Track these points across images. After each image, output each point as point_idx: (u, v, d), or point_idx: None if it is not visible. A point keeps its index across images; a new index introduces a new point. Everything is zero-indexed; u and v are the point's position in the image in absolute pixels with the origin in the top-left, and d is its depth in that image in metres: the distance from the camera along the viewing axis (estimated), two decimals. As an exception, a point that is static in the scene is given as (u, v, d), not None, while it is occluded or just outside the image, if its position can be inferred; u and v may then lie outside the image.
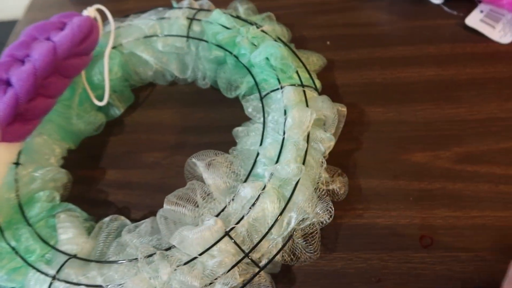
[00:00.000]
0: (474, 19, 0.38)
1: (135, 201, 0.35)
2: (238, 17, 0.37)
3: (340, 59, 0.39)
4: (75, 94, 0.36)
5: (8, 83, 0.32)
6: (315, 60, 0.36)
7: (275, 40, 0.34)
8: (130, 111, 0.40)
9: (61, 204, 0.32)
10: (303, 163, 0.28)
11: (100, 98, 0.37)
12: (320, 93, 0.33)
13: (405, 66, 0.37)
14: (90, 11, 0.36)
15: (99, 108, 0.38)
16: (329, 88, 0.36)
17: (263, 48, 0.32)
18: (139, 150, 0.37)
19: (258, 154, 0.29)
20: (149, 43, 0.37)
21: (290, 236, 0.27)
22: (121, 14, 0.41)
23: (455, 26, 0.39)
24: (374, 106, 0.35)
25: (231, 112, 0.37)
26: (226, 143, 0.35)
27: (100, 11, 0.37)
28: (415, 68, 0.37)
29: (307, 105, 0.30)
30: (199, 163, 0.29)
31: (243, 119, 0.35)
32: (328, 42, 0.40)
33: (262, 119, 0.31)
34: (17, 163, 0.33)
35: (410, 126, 0.34)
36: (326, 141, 0.29)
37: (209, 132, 0.37)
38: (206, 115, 0.38)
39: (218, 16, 0.36)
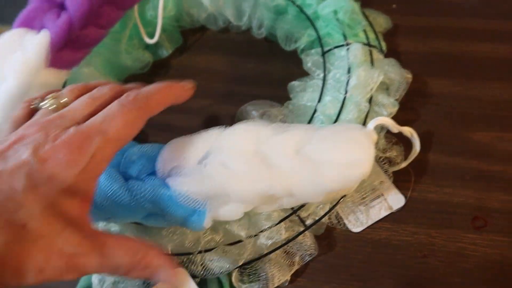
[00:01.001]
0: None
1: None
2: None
3: (406, 24, 0.36)
4: (126, 28, 0.35)
5: (62, 7, 0.30)
6: (381, 22, 0.34)
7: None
8: (178, 54, 0.38)
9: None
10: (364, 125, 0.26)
11: (150, 35, 0.35)
12: (386, 53, 0.31)
13: (477, 40, 0.34)
14: None
15: (147, 46, 0.36)
16: (392, 53, 0.34)
17: (332, 1, 0.30)
18: (184, 95, 0.36)
19: (315, 110, 0.28)
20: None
21: (338, 201, 0.26)
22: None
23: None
24: (439, 77, 0.33)
25: (285, 66, 0.35)
26: (277, 97, 0.33)
27: None
28: (487, 44, 0.34)
29: (372, 64, 0.28)
30: (254, 112, 0.27)
31: (297, 75, 0.33)
32: (394, 5, 0.37)
33: (322, 75, 0.29)
34: (62, 91, 0.32)
35: (476, 103, 0.32)
36: (389, 107, 0.27)
37: (260, 85, 0.35)
38: (257, 67, 0.36)
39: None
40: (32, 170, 0.17)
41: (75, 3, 0.30)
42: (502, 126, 0.31)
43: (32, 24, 0.30)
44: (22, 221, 0.16)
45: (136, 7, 0.35)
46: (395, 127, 0.25)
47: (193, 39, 0.39)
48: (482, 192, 0.28)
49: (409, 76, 0.30)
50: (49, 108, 0.21)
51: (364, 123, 0.26)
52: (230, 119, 0.34)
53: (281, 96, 0.33)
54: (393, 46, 0.35)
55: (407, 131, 0.27)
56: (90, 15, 0.30)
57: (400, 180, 0.29)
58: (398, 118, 0.30)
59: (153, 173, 0.23)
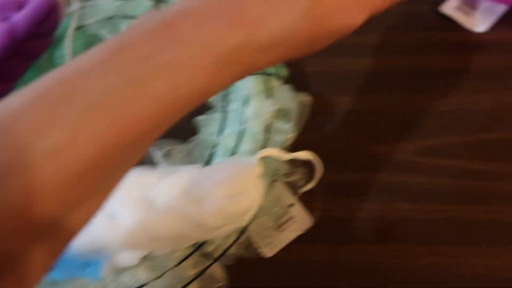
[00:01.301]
0: (450, 6, 0.37)
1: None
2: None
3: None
4: (35, 76, 0.35)
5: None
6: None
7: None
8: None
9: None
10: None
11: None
12: (289, 81, 0.32)
13: (376, 54, 0.36)
14: (53, -11, 0.35)
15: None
16: (299, 75, 0.35)
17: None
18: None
19: (216, 144, 0.29)
20: (114, 25, 0.36)
21: (243, 230, 0.27)
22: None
23: (430, 13, 0.37)
24: (342, 95, 0.35)
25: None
26: (190, 130, 0.34)
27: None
28: (386, 57, 0.36)
29: (270, 95, 0.30)
30: (157, 152, 0.28)
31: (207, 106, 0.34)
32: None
33: (224, 107, 0.30)
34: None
35: (377, 116, 0.33)
36: (286, 133, 0.29)
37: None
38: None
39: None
40: None
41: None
42: (401, 136, 0.32)
43: None
44: None
45: (46, 55, 0.35)
46: (284, 156, 0.26)
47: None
48: (385, 204, 0.30)
49: (307, 99, 0.31)
50: None
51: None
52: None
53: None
54: (301, 67, 0.36)
55: (304, 155, 0.28)
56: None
57: (309, 201, 0.30)
58: (305, 139, 0.32)
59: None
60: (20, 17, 0.32)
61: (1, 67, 0.32)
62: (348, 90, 0.35)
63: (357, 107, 0.34)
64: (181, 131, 0.33)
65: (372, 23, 0.37)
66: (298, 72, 0.36)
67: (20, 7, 0.33)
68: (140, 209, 0.22)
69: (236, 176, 0.23)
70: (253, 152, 0.27)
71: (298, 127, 0.30)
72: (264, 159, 0.28)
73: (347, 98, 0.34)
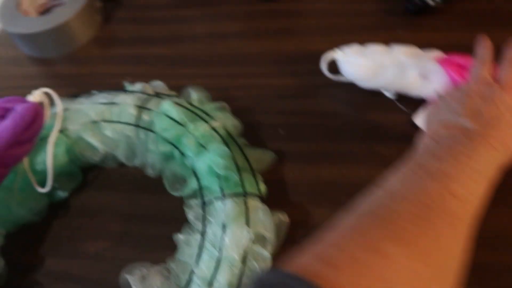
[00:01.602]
0: (421, 117, 0.39)
1: (73, 296, 0.34)
2: (191, 105, 0.37)
3: (291, 151, 0.39)
4: (16, 180, 0.35)
5: None
6: (264, 157, 0.36)
7: (224, 139, 0.34)
8: (77, 192, 0.39)
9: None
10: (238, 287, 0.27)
11: (45, 181, 0.36)
12: (266, 194, 0.33)
13: (354, 164, 0.37)
14: (36, 96, 0.35)
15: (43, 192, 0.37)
16: (277, 184, 0.36)
17: (208, 155, 0.32)
18: (82, 237, 0.36)
19: (192, 272, 0.29)
20: (97, 128, 0.37)
21: None
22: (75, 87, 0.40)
23: (405, 123, 0.39)
24: (320, 207, 0.35)
25: (181, 202, 0.36)
26: (172, 237, 0.34)
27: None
28: (363, 168, 0.37)
29: (247, 218, 0.30)
30: (131, 278, 0.28)
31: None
32: (281, 131, 0.40)
33: (203, 229, 0.30)
34: None
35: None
36: (264, 261, 0.29)
37: (156, 223, 0.36)
38: (154, 204, 0.37)
39: (169, 108, 0.35)
40: None
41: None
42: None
43: None
44: None
45: (26, 159, 0.36)
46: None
47: (93, 176, 0.40)
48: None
49: (285, 219, 0.32)
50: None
51: (239, 285, 0.27)
52: (126, 264, 0.34)
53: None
54: (279, 176, 0.37)
55: None
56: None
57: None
58: (282, 254, 0.32)
59: None
60: (2, 129, 0.32)
61: (-20, 177, 0.32)
62: (325, 202, 0.35)
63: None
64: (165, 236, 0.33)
65: (351, 131, 0.39)
66: (277, 180, 0.37)
67: (2, 116, 0.34)
68: None
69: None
70: (230, 284, 0.27)
71: (276, 248, 0.31)
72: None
73: (324, 210, 0.35)
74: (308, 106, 0.42)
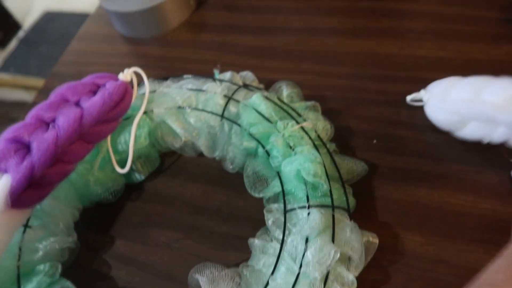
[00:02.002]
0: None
1: (136, 283, 0.33)
2: (281, 101, 0.35)
3: (384, 164, 0.35)
4: (97, 157, 0.35)
5: (28, 148, 0.30)
6: (355, 168, 0.32)
7: (314, 143, 0.31)
8: (153, 177, 0.38)
9: (59, 280, 0.31)
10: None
11: (124, 162, 0.35)
12: (354, 208, 0.30)
13: (458, 190, 0.32)
14: (127, 75, 0.34)
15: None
16: (366, 198, 0.32)
17: (297, 158, 0.29)
18: (152, 224, 0.35)
19: (267, 283, 0.26)
20: (182, 114, 0.35)
21: None
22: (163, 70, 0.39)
23: None
24: (413, 232, 0.31)
25: (258, 202, 0.34)
26: (244, 238, 0.32)
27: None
28: (469, 196, 0.32)
29: (333, 233, 0.27)
30: (201, 278, 0.26)
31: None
32: (374, 141, 0.36)
33: (281, 236, 0.28)
34: (26, 226, 0.32)
35: (450, 269, 0.29)
36: (348, 285, 0.26)
37: (229, 220, 0.34)
38: (229, 200, 0.35)
39: (258, 101, 0.33)
40: None
41: (40, 148, 0.30)
42: None
43: (-3, 166, 0.30)
44: None
45: (109, 138, 0.35)
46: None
47: (170, 162, 0.39)
48: None
49: (374, 240, 0.28)
50: None
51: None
52: (192, 259, 0.33)
53: (248, 237, 0.32)
54: (369, 190, 0.34)
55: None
56: (56, 156, 0.31)
57: None
58: (365, 277, 0.29)
59: None
60: (91, 105, 0.32)
61: (67, 150, 0.31)
62: (419, 228, 0.31)
63: (427, 251, 0.30)
64: (237, 236, 0.31)
65: (458, 151, 0.34)
66: (367, 194, 0.33)
67: (93, 91, 0.33)
68: None
69: None
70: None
71: (363, 263, 0.27)
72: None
73: (417, 238, 0.31)
74: (407, 117, 0.37)
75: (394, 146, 0.36)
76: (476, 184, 0.33)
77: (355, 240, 0.27)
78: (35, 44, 1.46)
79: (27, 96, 1.37)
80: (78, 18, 1.55)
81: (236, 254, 0.32)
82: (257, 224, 0.32)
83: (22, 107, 1.37)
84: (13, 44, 1.47)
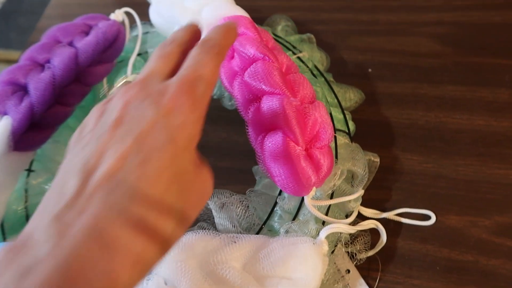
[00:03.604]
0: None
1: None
2: (275, 35, 0.34)
3: (381, 91, 0.35)
4: (95, 100, 0.35)
5: (25, 89, 0.30)
6: (352, 96, 0.33)
7: (311, 71, 0.31)
8: (151, 120, 0.38)
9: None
10: (323, 223, 0.25)
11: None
12: (354, 133, 0.30)
13: (453, 110, 0.33)
14: (118, 15, 0.34)
15: (119, 116, 0.36)
16: (365, 124, 0.33)
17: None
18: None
19: (275, 203, 0.27)
20: (177, 54, 0.35)
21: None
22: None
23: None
24: (412, 153, 0.32)
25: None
26: (246, 171, 0.33)
27: (128, 14, 0.35)
28: (464, 114, 0.33)
29: (336, 154, 0.28)
30: (211, 204, 0.27)
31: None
32: (369, 70, 0.36)
33: (285, 160, 0.28)
34: (29, 170, 0.32)
35: (449, 183, 0.30)
36: (352, 202, 0.26)
37: (230, 156, 0.35)
38: (228, 137, 0.36)
39: (253, 34, 0.33)
40: (165, 125, 0.17)
41: (37, 87, 0.29)
42: (476, 210, 0.29)
43: (-5, 109, 0.30)
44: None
45: (104, 80, 0.35)
46: (351, 230, 0.24)
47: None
48: (452, 285, 0.27)
49: (376, 160, 0.29)
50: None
51: (324, 223, 0.25)
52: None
53: (250, 170, 0.32)
54: (367, 116, 0.34)
55: (371, 224, 0.26)
56: (55, 96, 0.30)
57: (367, 268, 0.28)
58: (370, 196, 0.30)
59: None
60: (85, 44, 0.31)
61: (64, 92, 0.31)
62: (418, 148, 0.32)
63: (426, 168, 0.31)
64: (240, 169, 0.32)
65: (451, 73, 0.35)
66: (365, 120, 0.34)
67: (85, 32, 0.33)
68: (199, 276, 0.20)
69: (301, 257, 0.21)
70: (313, 219, 0.25)
71: (365, 184, 0.28)
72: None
73: (416, 157, 0.32)
74: (400, 45, 0.37)
75: (389, 73, 0.36)
76: (470, 102, 0.33)
77: (358, 157, 0.28)
78: (13, 15, 1.41)
79: (9, 70, 1.34)
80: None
81: (239, 186, 0.33)
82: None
83: (6, 81, 1.34)
84: (-11, 16, 1.42)
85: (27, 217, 0.30)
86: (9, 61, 1.35)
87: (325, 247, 0.22)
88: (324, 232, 0.22)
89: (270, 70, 0.25)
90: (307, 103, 0.25)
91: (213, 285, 0.20)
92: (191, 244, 0.21)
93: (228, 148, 0.35)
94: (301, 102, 0.24)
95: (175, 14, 0.31)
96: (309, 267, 0.21)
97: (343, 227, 0.23)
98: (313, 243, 0.22)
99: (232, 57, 0.28)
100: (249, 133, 0.26)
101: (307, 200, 0.24)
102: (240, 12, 0.29)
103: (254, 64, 0.26)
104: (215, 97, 0.36)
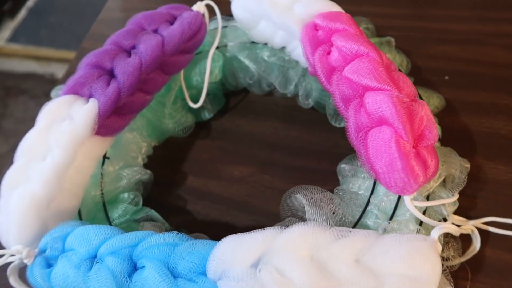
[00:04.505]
0: None
1: (214, 215, 0.33)
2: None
3: (459, 99, 0.35)
4: (171, 92, 0.34)
5: (111, 74, 0.30)
6: (434, 101, 0.32)
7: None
8: (219, 116, 0.38)
9: (143, 208, 0.30)
10: (420, 224, 0.25)
11: (193, 98, 0.35)
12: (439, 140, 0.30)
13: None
14: (200, 7, 0.34)
15: (190, 109, 0.36)
16: (446, 131, 0.32)
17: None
18: (224, 160, 0.35)
19: (368, 201, 0.26)
20: (254, 49, 0.35)
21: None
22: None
23: None
24: (495, 162, 0.31)
25: (331, 138, 0.34)
26: (321, 171, 0.32)
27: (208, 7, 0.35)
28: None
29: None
30: (304, 200, 0.26)
31: (344, 148, 0.32)
32: (446, 77, 0.36)
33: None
34: (105, 157, 0.31)
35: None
36: (448, 205, 0.26)
37: (303, 155, 0.34)
38: (301, 136, 0.35)
39: (336, 33, 0.32)
40: None
41: (125, 72, 0.29)
42: None
43: (80, 91, 0.29)
44: None
45: (182, 71, 0.35)
46: (457, 232, 0.23)
47: (236, 101, 0.38)
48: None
49: (467, 166, 0.28)
50: None
51: (421, 223, 0.25)
52: (270, 192, 0.33)
53: (325, 171, 0.32)
54: (446, 123, 0.34)
55: (469, 229, 0.25)
56: (139, 83, 0.30)
57: (455, 277, 0.27)
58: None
59: (203, 273, 0.21)
60: (170, 32, 0.31)
61: (146, 79, 0.31)
62: (502, 158, 0.31)
63: (509, 180, 0.31)
64: (314, 169, 0.31)
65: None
66: (443, 127, 0.33)
67: (170, 21, 0.33)
68: (310, 268, 0.20)
69: (417, 254, 0.20)
70: (413, 220, 0.24)
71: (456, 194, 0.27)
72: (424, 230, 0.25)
73: (501, 167, 0.31)
74: (477, 54, 0.37)
75: (467, 82, 0.36)
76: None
77: (453, 164, 0.27)
78: (45, 13, 1.43)
79: (37, 68, 1.35)
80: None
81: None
82: (332, 158, 0.32)
83: (33, 79, 1.35)
84: (22, 14, 1.44)
85: (104, 204, 0.30)
86: (39, 58, 1.36)
87: (440, 247, 0.21)
88: (437, 231, 0.21)
89: (376, 66, 0.25)
90: (411, 101, 0.24)
91: (328, 279, 0.20)
92: (303, 234, 0.21)
93: (301, 147, 0.34)
94: (408, 98, 0.24)
95: (264, 9, 0.31)
96: (429, 266, 0.20)
97: (451, 227, 0.22)
98: (428, 241, 0.21)
99: (329, 53, 0.27)
100: (349, 130, 0.25)
101: (408, 200, 0.24)
102: (336, 8, 0.29)
103: (357, 59, 0.25)
104: (289, 94, 0.36)
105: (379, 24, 0.41)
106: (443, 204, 0.26)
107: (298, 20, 0.30)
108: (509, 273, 0.27)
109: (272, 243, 0.21)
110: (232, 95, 0.39)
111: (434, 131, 0.24)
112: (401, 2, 0.43)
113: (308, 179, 0.33)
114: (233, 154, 0.35)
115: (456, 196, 0.26)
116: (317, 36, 0.28)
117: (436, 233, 0.21)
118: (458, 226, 0.25)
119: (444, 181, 0.28)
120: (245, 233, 0.22)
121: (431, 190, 0.26)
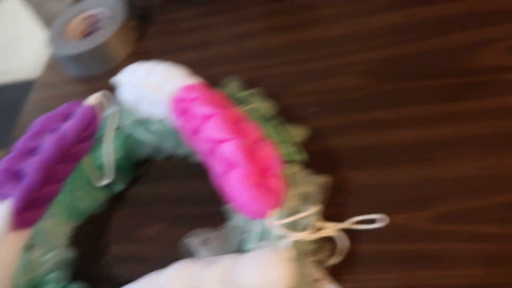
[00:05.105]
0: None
1: (137, 275, 0.37)
2: (227, 94, 0.41)
3: (325, 124, 0.41)
4: (80, 176, 0.40)
5: (21, 174, 0.35)
6: (299, 132, 0.39)
7: (262, 117, 0.37)
8: (131, 185, 0.43)
9: (73, 283, 0.34)
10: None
11: (103, 176, 0.40)
12: (307, 163, 0.36)
13: (383, 130, 0.40)
14: (93, 99, 0.40)
15: (103, 186, 0.41)
16: (318, 154, 0.38)
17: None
18: (140, 224, 0.40)
19: (247, 230, 0.31)
20: (148, 124, 0.41)
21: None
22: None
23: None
24: (359, 170, 0.38)
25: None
26: (219, 214, 0.37)
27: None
28: (395, 131, 0.39)
29: (289, 180, 0.33)
30: (194, 241, 0.31)
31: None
32: (313, 109, 0.43)
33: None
34: (29, 246, 0.36)
35: (390, 188, 0.36)
36: (310, 217, 0.31)
37: (205, 203, 0.39)
38: (201, 186, 0.40)
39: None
40: None
41: (33, 169, 0.34)
42: (417, 206, 0.35)
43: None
44: None
45: (86, 156, 0.40)
46: (311, 237, 0.29)
47: (144, 169, 0.44)
48: (406, 272, 0.32)
49: (327, 180, 0.35)
50: None
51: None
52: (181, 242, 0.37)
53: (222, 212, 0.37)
54: (318, 147, 0.40)
55: (329, 231, 0.31)
56: (47, 175, 0.35)
57: (338, 274, 0.33)
58: (330, 213, 0.35)
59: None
60: (68, 127, 0.37)
61: (51, 171, 0.36)
62: (362, 166, 0.38)
63: (371, 181, 0.37)
64: (213, 213, 0.37)
65: (377, 100, 0.41)
66: (317, 151, 0.39)
67: (65, 118, 0.38)
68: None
69: (268, 263, 0.25)
70: (281, 236, 0.30)
71: (319, 206, 0.33)
72: (293, 242, 0.30)
73: (362, 174, 0.37)
74: (332, 85, 0.45)
75: (329, 109, 0.43)
76: (396, 121, 0.40)
77: (310, 180, 0.33)
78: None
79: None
80: (22, 86, 1.58)
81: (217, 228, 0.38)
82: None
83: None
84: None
85: (32, 288, 0.33)
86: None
87: (287, 253, 0.26)
88: (285, 240, 0.27)
89: (224, 122, 0.31)
90: (256, 142, 0.31)
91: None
92: (175, 273, 0.26)
93: (200, 197, 0.40)
94: (251, 143, 0.30)
95: (142, 91, 0.37)
96: (279, 270, 0.25)
97: (302, 234, 0.28)
98: (280, 251, 0.26)
99: (190, 118, 0.34)
100: (214, 176, 0.31)
101: (269, 220, 0.29)
102: (197, 80, 0.36)
103: (210, 120, 0.32)
104: (184, 154, 0.42)
105: (254, 77, 0.48)
106: (309, 216, 0.32)
107: (168, 95, 0.36)
108: (379, 259, 0.33)
109: (157, 281, 0.26)
110: (140, 163, 0.44)
111: (276, 162, 0.30)
112: (271, 54, 0.50)
113: (211, 222, 0.38)
114: (147, 216, 0.40)
115: (315, 208, 0.32)
116: (181, 107, 0.35)
117: (284, 243, 0.27)
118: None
119: (307, 198, 0.33)
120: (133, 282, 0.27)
121: (295, 208, 0.32)
